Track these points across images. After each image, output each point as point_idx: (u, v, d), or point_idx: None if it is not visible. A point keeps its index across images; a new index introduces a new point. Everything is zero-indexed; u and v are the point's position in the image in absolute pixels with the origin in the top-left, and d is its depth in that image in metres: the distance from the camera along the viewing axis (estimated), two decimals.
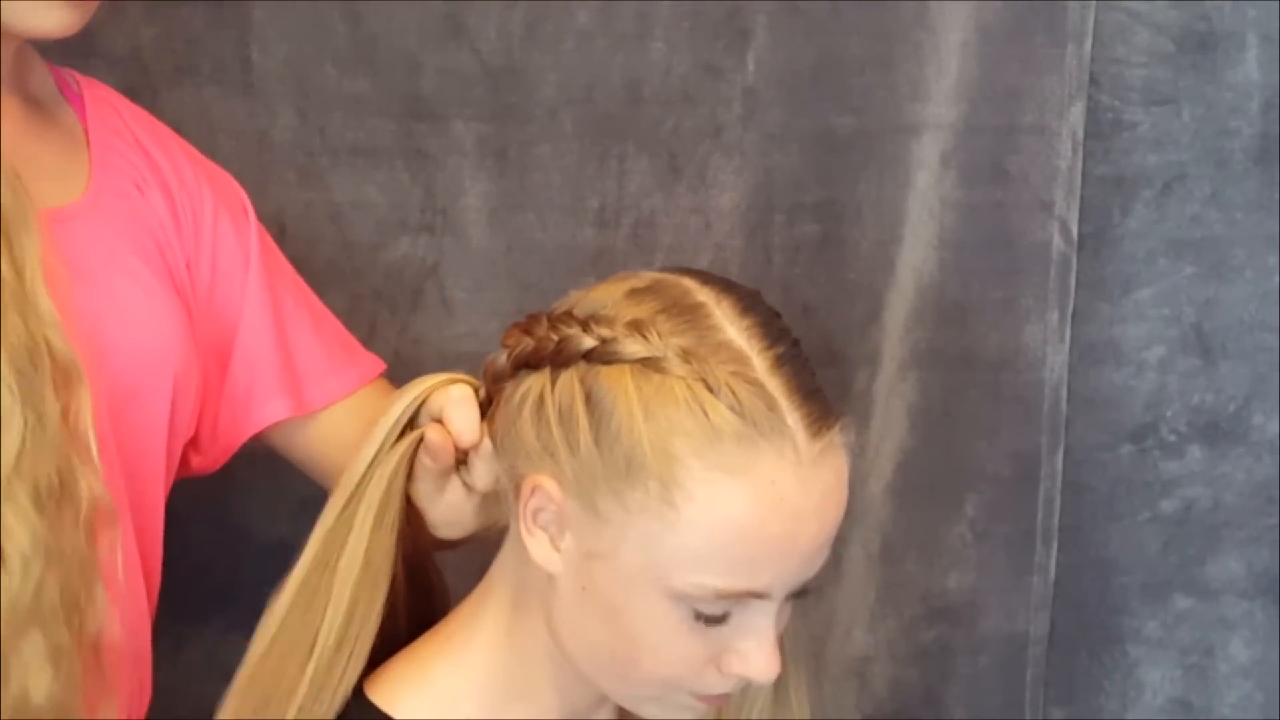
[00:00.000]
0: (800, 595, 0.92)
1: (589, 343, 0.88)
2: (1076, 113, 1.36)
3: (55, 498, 0.93)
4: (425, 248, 1.35)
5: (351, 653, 0.95)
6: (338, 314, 1.31)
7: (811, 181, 1.37)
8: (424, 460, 0.95)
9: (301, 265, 1.32)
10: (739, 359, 0.88)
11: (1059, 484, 1.43)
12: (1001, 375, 1.41)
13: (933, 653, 1.46)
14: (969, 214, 1.38)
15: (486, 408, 0.94)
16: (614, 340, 0.88)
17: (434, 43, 1.32)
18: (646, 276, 0.92)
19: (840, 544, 1.42)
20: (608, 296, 0.91)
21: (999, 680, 1.46)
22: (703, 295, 0.90)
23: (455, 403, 0.93)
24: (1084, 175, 1.38)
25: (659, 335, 0.87)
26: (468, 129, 1.34)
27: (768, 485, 0.86)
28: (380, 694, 0.96)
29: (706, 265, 1.36)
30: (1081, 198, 1.38)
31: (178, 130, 1.31)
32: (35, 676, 0.93)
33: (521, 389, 0.91)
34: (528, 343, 0.91)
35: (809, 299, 1.38)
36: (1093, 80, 1.36)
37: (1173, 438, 1.44)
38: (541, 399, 0.89)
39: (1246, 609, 1.48)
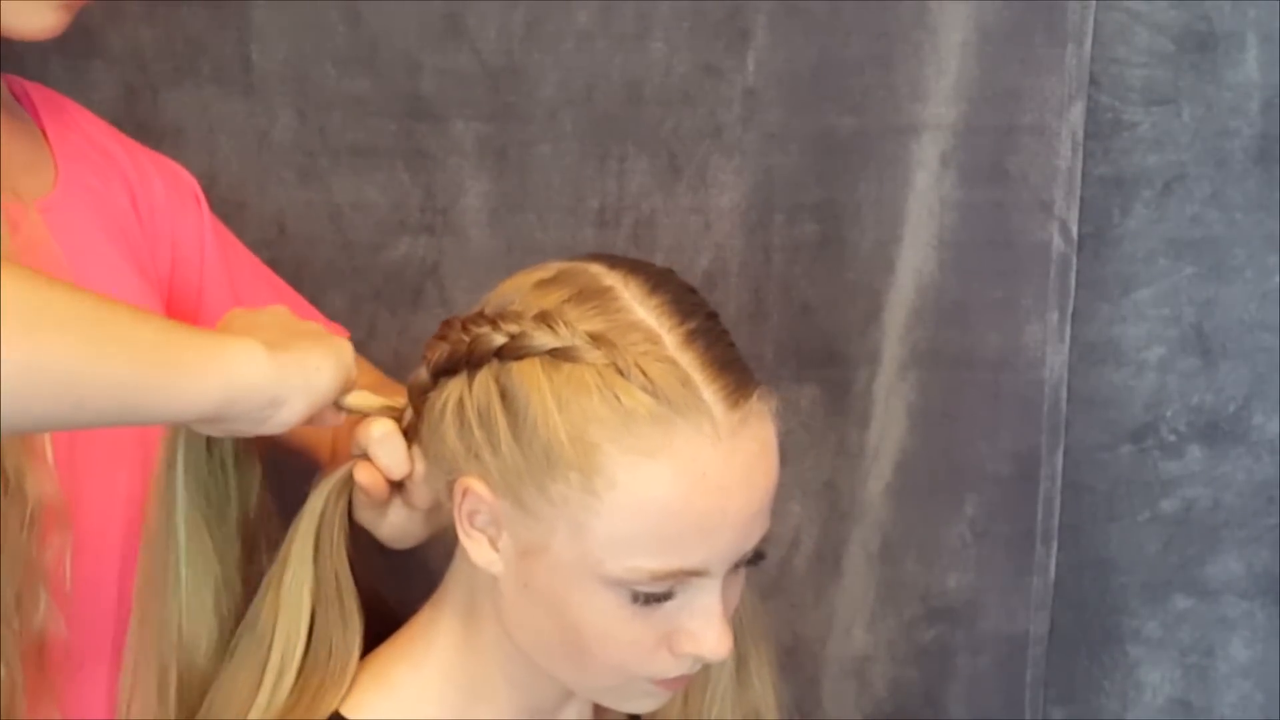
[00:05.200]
0: (753, 562, 0.92)
1: (499, 340, 0.88)
2: (1076, 113, 1.36)
3: (4, 494, 0.93)
4: (425, 248, 1.35)
5: (326, 683, 0.95)
6: (337, 314, 1.31)
7: (811, 181, 1.37)
8: (359, 496, 0.95)
9: (301, 265, 1.33)
10: (650, 338, 0.87)
11: (1059, 484, 1.43)
12: (1001, 375, 1.41)
13: (933, 653, 1.46)
14: (969, 214, 1.38)
15: (416, 426, 0.94)
16: (523, 334, 0.88)
17: (434, 43, 1.32)
18: (553, 267, 0.92)
19: (840, 544, 1.43)
20: (516, 291, 0.91)
21: (999, 680, 1.46)
22: (610, 279, 0.90)
23: (377, 441, 0.93)
24: (1084, 175, 1.38)
25: (567, 324, 0.87)
26: (468, 129, 1.34)
27: (688, 462, 0.86)
28: (343, 701, 0.96)
29: (706, 265, 1.36)
30: (1081, 198, 1.38)
31: (177, 130, 1.32)
32: None
33: (443, 396, 0.91)
34: (444, 348, 0.91)
35: (809, 299, 1.38)
36: (1093, 80, 1.36)
37: (1173, 438, 1.44)
38: (461, 402, 0.89)
39: (1246, 609, 1.48)
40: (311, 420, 0.93)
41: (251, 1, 1.31)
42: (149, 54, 1.32)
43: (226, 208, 1.27)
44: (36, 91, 1.14)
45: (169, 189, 1.17)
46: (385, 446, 0.93)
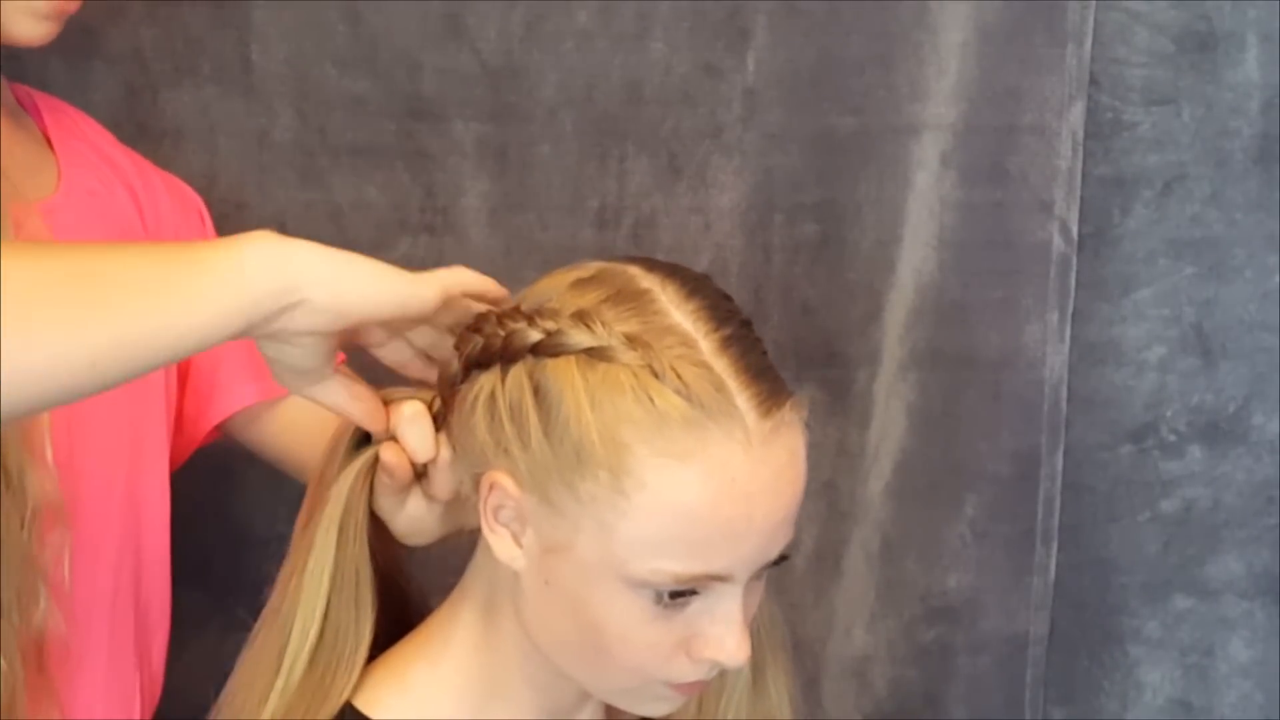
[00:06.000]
0: (776, 564, 0.91)
1: (535, 336, 0.88)
2: (1076, 113, 1.36)
3: (7, 490, 0.93)
4: (425, 248, 1.36)
5: (336, 669, 0.95)
6: None
7: (811, 181, 1.37)
8: (382, 478, 0.95)
9: None
10: (685, 342, 0.87)
11: (1059, 484, 1.43)
12: (1001, 375, 1.41)
13: (933, 653, 1.46)
14: (969, 214, 1.38)
15: (444, 416, 0.94)
16: (559, 332, 0.88)
17: (434, 43, 1.32)
18: (591, 266, 0.92)
19: (840, 544, 1.43)
20: (553, 288, 0.91)
21: (999, 680, 1.46)
22: (648, 281, 0.90)
23: (408, 421, 0.93)
24: (1084, 175, 1.38)
25: (604, 324, 0.87)
26: (468, 129, 1.34)
27: (718, 467, 0.86)
28: (360, 697, 0.96)
29: (706, 265, 1.36)
30: (1081, 198, 1.38)
31: (177, 130, 1.32)
32: None
33: (474, 389, 0.91)
34: (477, 341, 0.91)
35: (809, 299, 1.38)
36: (1093, 80, 1.36)
37: (1173, 438, 1.44)
38: (493, 396, 0.89)
39: (1246, 609, 1.48)
40: (357, 339, 0.88)
41: (251, 1, 1.31)
42: (149, 54, 1.32)
43: (226, 208, 1.27)
44: (43, 99, 1.15)
45: (175, 203, 1.17)
46: (414, 427, 0.93)
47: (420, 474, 0.96)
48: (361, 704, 0.96)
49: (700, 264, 1.36)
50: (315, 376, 0.90)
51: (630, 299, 0.89)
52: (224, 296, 0.81)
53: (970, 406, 1.41)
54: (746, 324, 0.91)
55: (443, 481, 0.95)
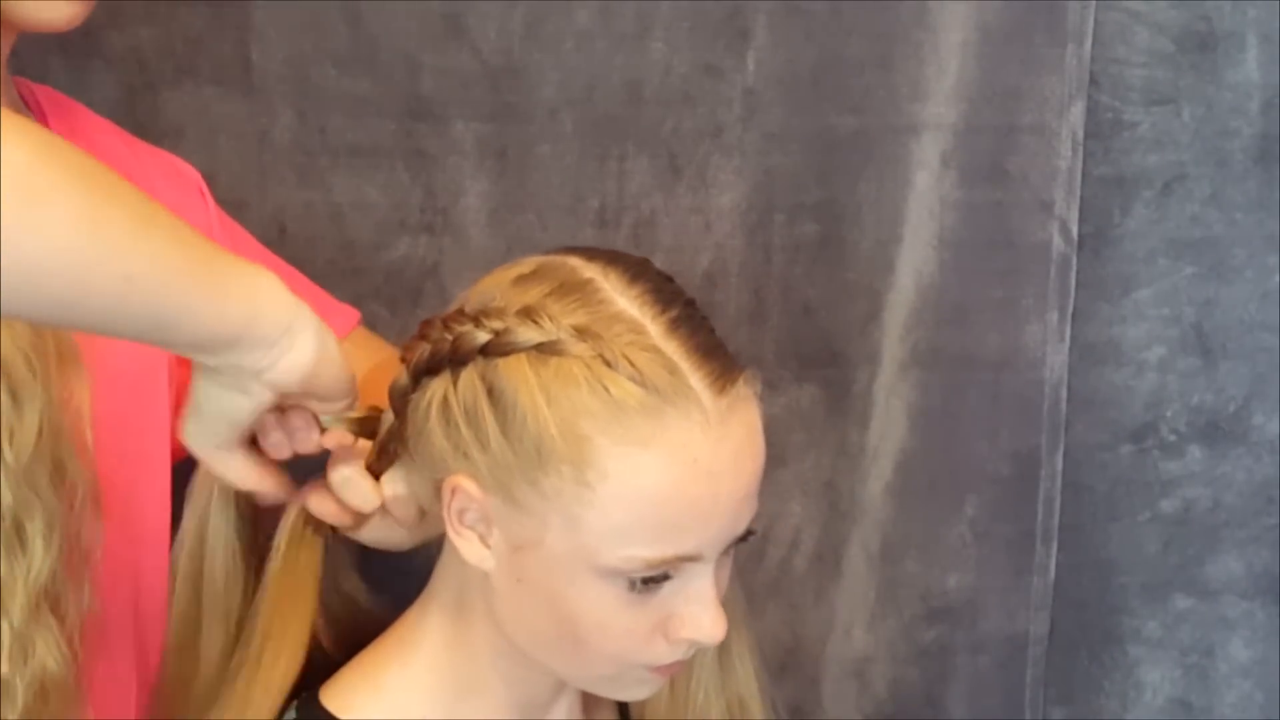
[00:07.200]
0: (741, 540, 0.92)
1: (483, 337, 0.88)
2: (1076, 113, 1.36)
3: (61, 482, 0.94)
4: (425, 248, 1.36)
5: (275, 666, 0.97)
6: None
7: (811, 181, 1.37)
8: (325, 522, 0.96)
9: (301, 265, 1.33)
10: (634, 328, 0.88)
11: (1059, 484, 1.43)
12: (1001, 375, 1.41)
13: (933, 653, 1.46)
14: (969, 214, 1.38)
15: (398, 432, 0.93)
16: (507, 330, 0.88)
17: (434, 43, 1.32)
18: (531, 261, 0.92)
19: (840, 544, 1.43)
20: (495, 287, 0.91)
21: (999, 680, 1.46)
22: (589, 271, 0.90)
23: (341, 487, 0.94)
24: (1084, 175, 1.38)
25: (551, 318, 0.87)
26: (468, 129, 1.34)
27: (679, 450, 0.86)
28: (333, 699, 0.97)
29: (706, 265, 1.36)
30: (1081, 198, 1.38)
31: (177, 130, 1.32)
32: (50, 651, 0.94)
33: (426, 396, 0.91)
34: (424, 348, 0.91)
35: (809, 299, 1.38)
36: (1093, 80, 1.36)
37: (1173, 438, 1.44)
38: (446, 401, 0.89)
39: (1246, 609, 1.48)
40: (287, 418, 0.92)
41: (251, 1, 1.31)
42: (149, 54, 1.32)
43: (226, 208, 1.27)
44: (44, 94, 1.14)
45: (171, 185, 1.17)
46: (350, 491, 0.94)
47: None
48: (334, 706, 0.96)
49: (700, 264, 1.36)
50: (229, 438, 0.91)
51: (574, 290, 0.89)
52: (243, 297, 0.83)
53: (970, 406, 1.41)
54: (691, 304, 0.91)
55: (402, 509, 0.95)
